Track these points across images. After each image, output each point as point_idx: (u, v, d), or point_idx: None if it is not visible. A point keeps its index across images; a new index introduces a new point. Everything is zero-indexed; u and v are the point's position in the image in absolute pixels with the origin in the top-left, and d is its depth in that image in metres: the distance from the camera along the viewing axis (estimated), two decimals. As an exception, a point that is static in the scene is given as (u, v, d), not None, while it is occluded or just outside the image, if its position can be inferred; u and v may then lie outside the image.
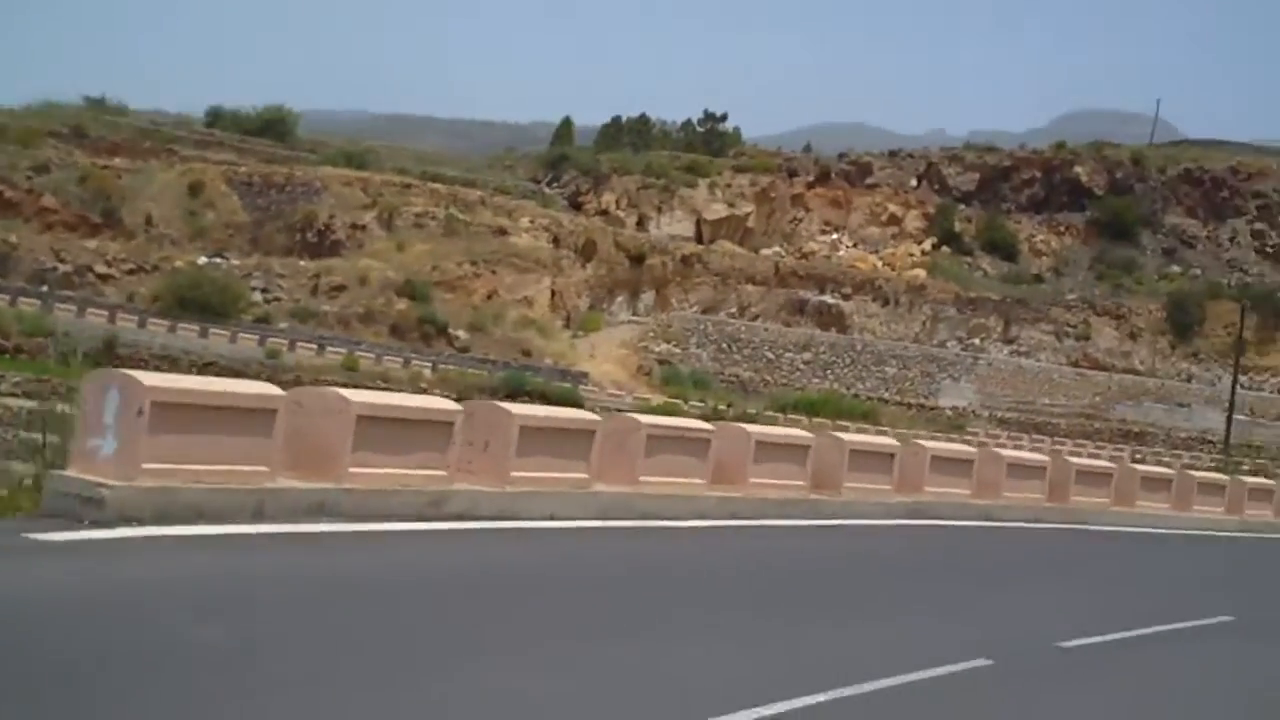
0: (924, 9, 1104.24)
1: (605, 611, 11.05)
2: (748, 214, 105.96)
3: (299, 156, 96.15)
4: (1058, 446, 65.89)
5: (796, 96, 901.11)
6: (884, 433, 62.03)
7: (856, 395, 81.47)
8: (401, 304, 76.59)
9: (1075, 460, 29.95)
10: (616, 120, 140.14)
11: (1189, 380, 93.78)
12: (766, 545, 17.29)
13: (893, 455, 22.61)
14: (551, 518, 15.24)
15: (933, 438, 50.88)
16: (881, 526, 20.86)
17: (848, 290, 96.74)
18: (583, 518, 15.59)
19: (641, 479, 16.94)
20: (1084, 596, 16.84)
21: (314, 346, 65.08)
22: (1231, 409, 76.63)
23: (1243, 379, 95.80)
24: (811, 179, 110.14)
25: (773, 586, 13.97)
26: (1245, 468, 62.83)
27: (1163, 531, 28.17)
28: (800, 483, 19.95)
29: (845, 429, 54.55)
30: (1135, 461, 67.37)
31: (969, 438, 63.31)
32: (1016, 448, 63.49)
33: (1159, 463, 67.17)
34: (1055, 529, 25.07)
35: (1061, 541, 24.01)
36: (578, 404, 44.83)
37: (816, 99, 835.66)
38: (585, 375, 73.50)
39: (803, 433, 22.26)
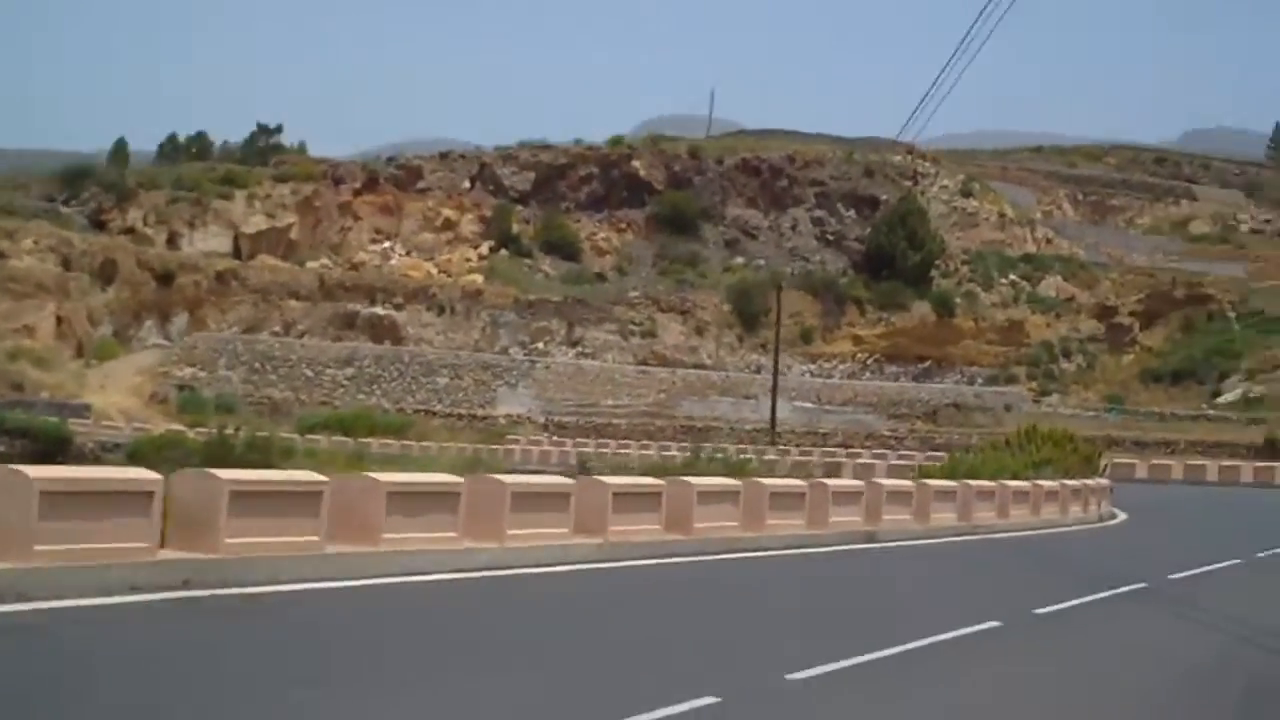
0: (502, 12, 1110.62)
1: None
2: (290, 225, 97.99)
3: None
4: (623, 449, 60.70)
5: (376, 113, 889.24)
6: (419, 447, 55.75)
7: (403, 409, 74.73)
8: None
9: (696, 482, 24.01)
10: (174, 139, 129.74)
11: (758, 371, 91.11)
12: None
13: (568, 495, 17.38)
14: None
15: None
16: (581, 572, 16.47)
17: (400, 300, 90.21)
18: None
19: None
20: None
21: None
22: (774, 397, 72.98)
23: (810, 366, 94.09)
24: (359, 185, 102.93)
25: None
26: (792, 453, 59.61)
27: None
28: (452, 533, 15.58)
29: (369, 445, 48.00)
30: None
31: (510, 445, 57.85)
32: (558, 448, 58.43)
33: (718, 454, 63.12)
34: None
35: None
36: (66, 439, 36.87)
37: (395, 114, 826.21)
38: (88, 407, 64.52)
39: (450, 477, 16.43)
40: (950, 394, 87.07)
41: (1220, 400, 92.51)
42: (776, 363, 76.72)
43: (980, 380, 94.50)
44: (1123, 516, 36.50)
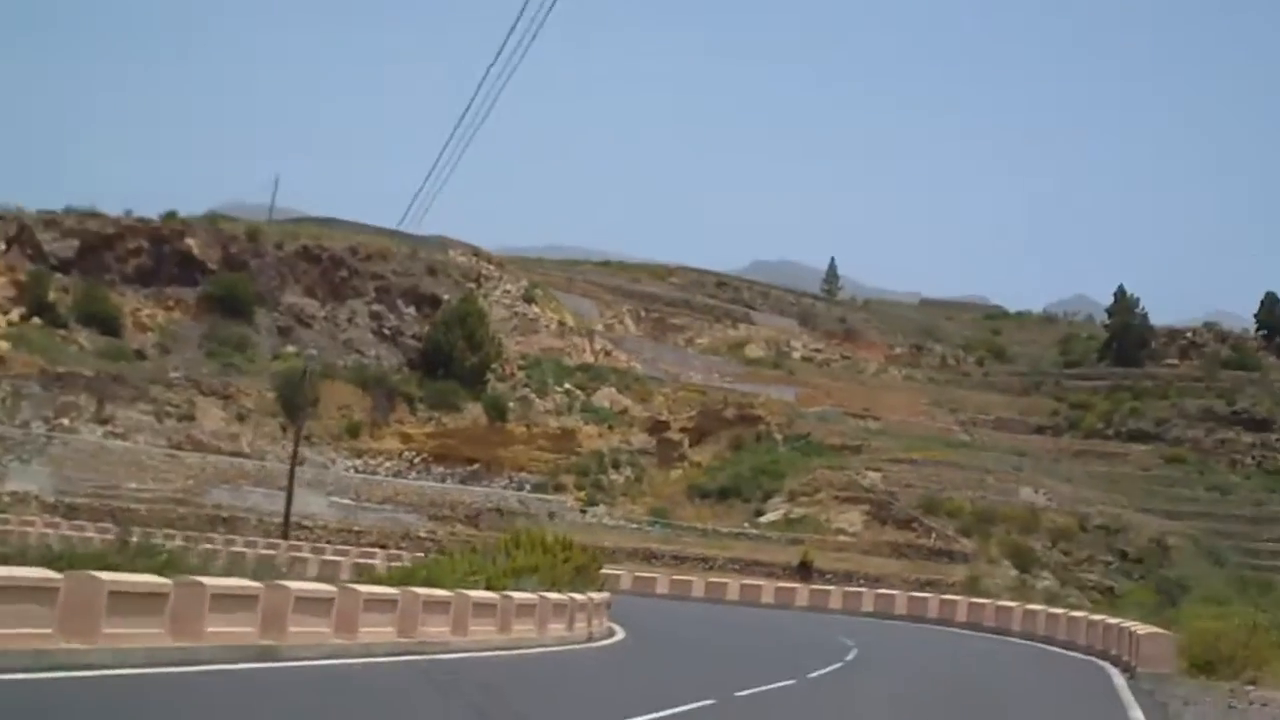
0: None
1: None
2: None
3: None
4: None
5: None
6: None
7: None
8: None
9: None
10: None
11: (302, 464, 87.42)
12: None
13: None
14: None
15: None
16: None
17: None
18: None
19: None
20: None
21: None
22: (291, 486, 69.62)
23: (356, 462, 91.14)
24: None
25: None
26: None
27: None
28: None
29: None
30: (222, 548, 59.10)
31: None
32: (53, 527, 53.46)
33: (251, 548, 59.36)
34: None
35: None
36: None
37: None
38: None
39: None
40: (495, 498, 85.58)
41: (762, 520, 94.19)
42: (296, 449, 73.03)
43: (529, 487, 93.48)
44: (621, 635, 34.63)
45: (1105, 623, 40.79)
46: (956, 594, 68.68)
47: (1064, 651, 42.44)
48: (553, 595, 30.42)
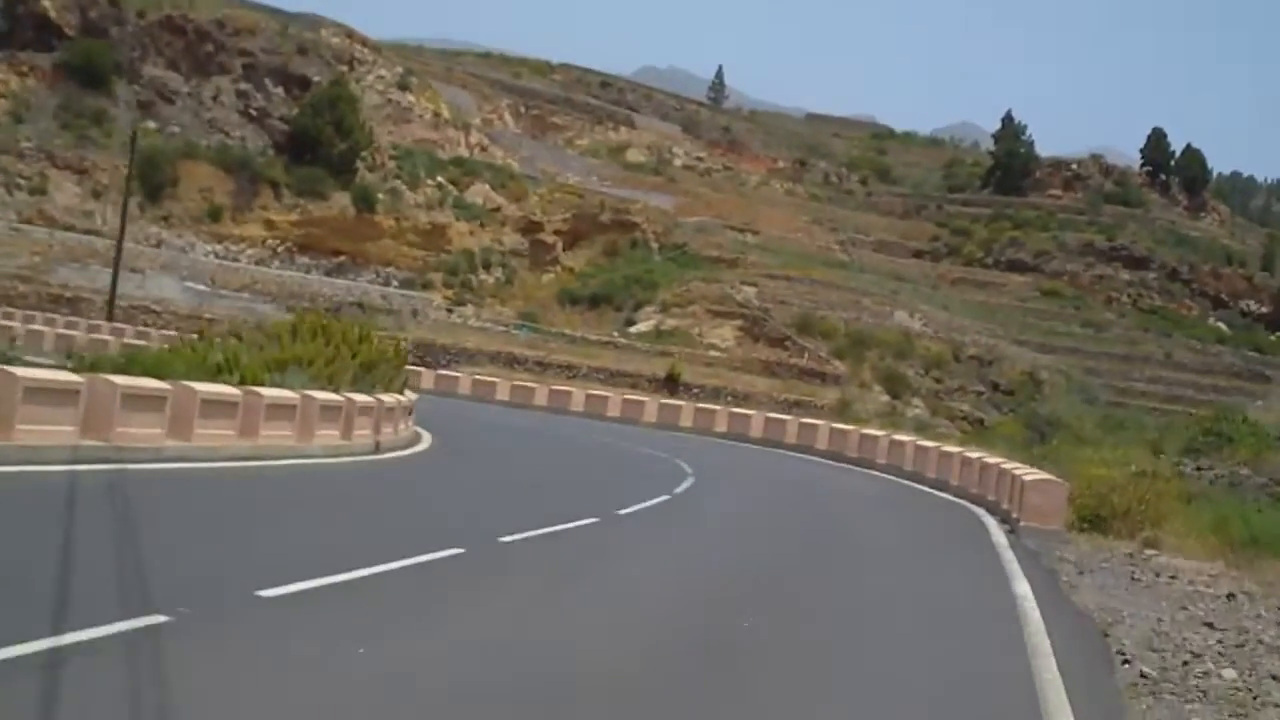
0: None
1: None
2: None
3: None
4: None
5: None
6: None
7: None
8: None
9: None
10: None
11: (158, 245, 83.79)
12: None
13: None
14: None
15: None
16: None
17: None
18: None
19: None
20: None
21: None
22: (117, 264, 65.17)
23: (217, 247, 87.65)
24: None
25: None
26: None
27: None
28: None
29: None
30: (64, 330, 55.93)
31: None
32: None
33: (92, 331, 56.40)
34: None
35: None
36: None
37: None
38: None
39: None
40: (356, 292, 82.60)
41: (633, 330, 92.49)
42: (124, 224, 68.13)
43: (396, 283, 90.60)
44: (425, 446, 30.99)
45: (983, 462, 34.35)
46: (826, 417, 67.39)
47: (933, 492, 36.90)
48: (321, 395, 25.00)
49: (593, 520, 19.34)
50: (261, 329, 33.96)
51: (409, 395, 33.01)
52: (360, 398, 26.88)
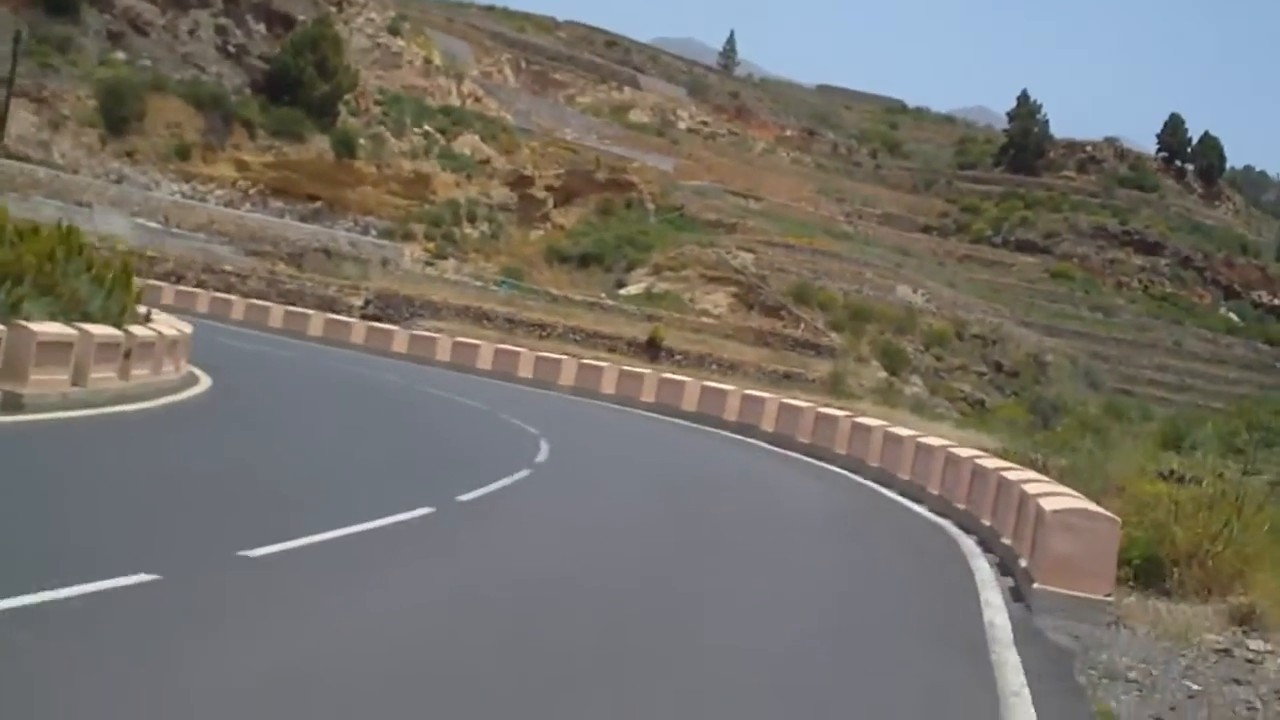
0: None
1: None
2: None
3: None
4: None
5: None
6: None
7: None
8: None
9: None
10: None
11: (119, 181, 79.04)
12: None
13: None
14: None
15: None
16: None
17: None
18: None
19: None
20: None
21: None
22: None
23: (184, 187, 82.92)
24: None
25: None
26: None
27: None
28: None
29: None
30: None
31: None
32: None
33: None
34: None
35: None
36: None
37: None
38: None
39: None
40: (322, 238, 77.66)
41: (622, 292, 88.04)
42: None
43: (375, 232, 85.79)
44: (204, 386, 25.63)
45: (978, 466, 22.68)
46: (817, 391, 62.51)
47: (904, 503, 26.02)
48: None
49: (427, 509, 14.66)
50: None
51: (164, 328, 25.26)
52: (67, 331, 19.58)
